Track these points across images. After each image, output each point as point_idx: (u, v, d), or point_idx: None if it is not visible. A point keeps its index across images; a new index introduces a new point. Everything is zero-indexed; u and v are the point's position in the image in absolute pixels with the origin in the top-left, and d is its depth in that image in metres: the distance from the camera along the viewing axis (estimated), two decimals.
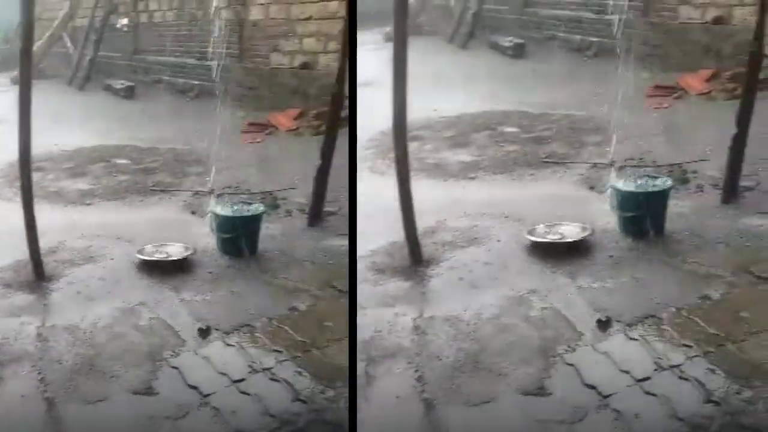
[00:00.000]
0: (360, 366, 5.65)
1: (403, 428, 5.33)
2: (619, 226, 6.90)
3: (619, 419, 5.01)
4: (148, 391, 5.79)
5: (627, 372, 5.31)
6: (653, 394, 5.13)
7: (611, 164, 7.43)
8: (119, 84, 11.60)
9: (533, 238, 6.87)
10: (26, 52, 7.13)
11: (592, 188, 7.67)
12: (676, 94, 8.80)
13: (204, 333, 6.33)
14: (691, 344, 5.47)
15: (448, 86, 9.76)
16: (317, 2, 9.25)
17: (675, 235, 6.73)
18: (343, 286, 6.53)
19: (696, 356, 5.38)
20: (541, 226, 6.99)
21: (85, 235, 7.84)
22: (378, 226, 6.90)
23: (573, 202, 7.47)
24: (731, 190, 6.99)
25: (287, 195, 7.92)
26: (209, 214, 7.68)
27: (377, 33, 9.68)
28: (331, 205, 7.63)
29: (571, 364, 5.46)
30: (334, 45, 8.65)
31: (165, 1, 11.37)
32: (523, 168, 8.31)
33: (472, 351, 5.71)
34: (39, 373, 5.96)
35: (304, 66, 9.36)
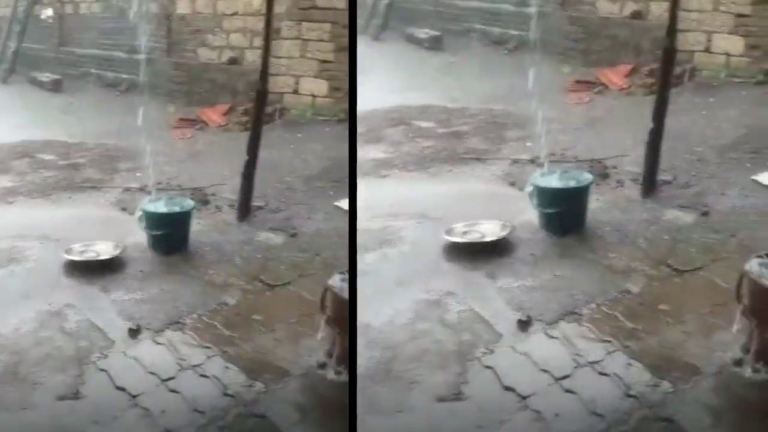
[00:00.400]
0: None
1: None
2: (540, 222, 6.79)
3: (539, 419, 4.97)
4: (75, 396, 5.65)
5: (547, 371, 5.26)
6: (573, 392, 5.10)
7: (532, 160, 7.39)
8: (45, 77, 11.32)
9: (451, 239, 6.68)
10: None
11: (512, 185, 7.53)
12: (596, 89, 8.84)
13: (134, 333, 6.22)
14: (611, 339, 5.46)
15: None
16: None
17: (596, 230, 6.67)
18: (270, 279, 6.57)
19: (615, 351, 5.38)
20: (459, 225, 6.81)
21: (8, 236, 7.55)
22: None
23: (493, 200, 7.35)
24: (650, 185, 6.98)
25: (217, 190, 7.85)
26: (139, 211, 7.50)
27: None
28: (259, 200, 7.56)
29: (490, 367, 5.37)
30: (259, 41, 8.49)
31: None
32: (439, 164, 8.10)
33: (384, 358, 5.60)
34: None
35: (232, 61, 9.34)
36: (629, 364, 5.25)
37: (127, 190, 8.19)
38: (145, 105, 8.67)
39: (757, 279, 5.06)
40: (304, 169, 7.96)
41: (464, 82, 9.44)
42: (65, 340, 6.14)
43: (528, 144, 7.84)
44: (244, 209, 7.52)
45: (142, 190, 7.77)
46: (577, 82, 8.95)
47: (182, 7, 9.71)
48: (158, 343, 6.10)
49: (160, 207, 7.42)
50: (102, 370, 5.84)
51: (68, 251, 7.14)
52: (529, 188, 6.95)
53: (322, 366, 5.66)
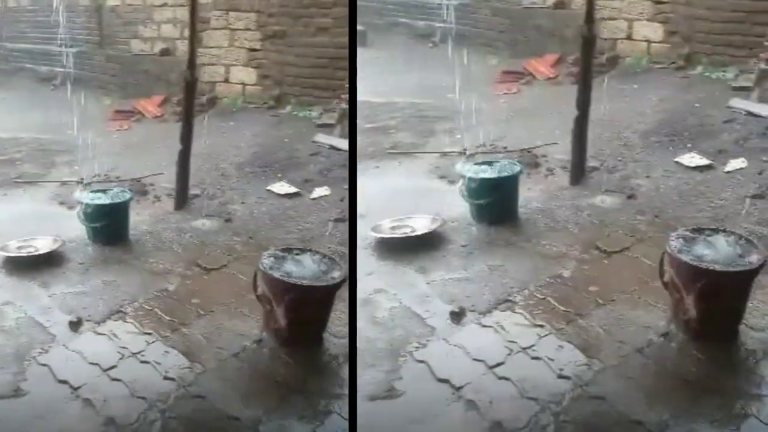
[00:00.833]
0: None
1: None
2: (472, 214, 6.76)
3: (473, 409, 4.95)
4: (16, 393, 5.54)
5: (481, 360, 5.25)
6: (507, 379, 5.11)
7: (462, 152, 7.36)
8: None
9: (378, 235, 6.58)
10: None
11: (442, 178, 7.45)
12: (524, 80, 8.83)
13: (75, 325, 6.14)
14: (543, 324, 5.49)
15: None
16: None
17: (528, 219, 6.70)
18: (207, 263, 6.61)
19: (548, 335, 5.41)
20: (387, 221, 6.71)
21: None
22: None
23: (422, 194, 7.25)
24: (578, 171, 7.01)
25: (155, 180, 7.82)
26: (78, 204, 7.40)
27: None
28: (196, 187, 7.56)
29: (423, 361, 5.32)
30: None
31: None
32: (366, 161, 7.81)
33: None
34: None
35: (164, 52, 9.24)
36: (561, 347, 5.28)
37: (64, 183, 8.03)
38: (80, 98, 8.54)
39: (676, 255, 5.15)
40: (237, 156, 7.96)
41: (390, 76, 9.23)
42: (4, 338, 6.03)
43: (457, 136, 7.80)
44: (182, 198, 7.52)
45: (80, 183, 7.61)
46: (504, 72, 8.93)
47: None
48: (99, 334, 6.03)
49: (99, 199, 7.34)
50: (43, 365, 5.76)
51: (4, 248, 7.02)
52: (458, 180, 6.90)
53: (258, 342, 5.71)
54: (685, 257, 5.12)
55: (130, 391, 5.45)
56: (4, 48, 11.01)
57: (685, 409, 4.73)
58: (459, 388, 5.07)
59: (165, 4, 9.19)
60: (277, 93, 8.68)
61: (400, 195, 7.24)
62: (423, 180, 7.48)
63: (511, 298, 5.77)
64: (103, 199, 7.33)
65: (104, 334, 6.01)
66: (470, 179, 6.79)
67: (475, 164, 7.06)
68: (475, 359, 5.27)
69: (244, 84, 8.88)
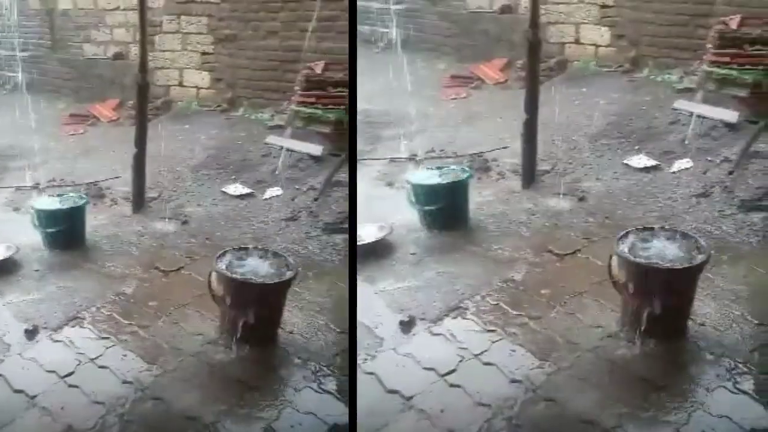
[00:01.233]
0: None
1: None
2: (421, 221, 6.65)
3: (425, 418, 4.89)
4: None
5: (432, 369, 5.18)
6: (458, 386, 5.05)
7: (410, 158, 7.29)
8: None
9: None
10: None
11: (390, 185, 7.31)
12: (472, 84, 8.76)
13: (31, 334, 6.03)
14: (495, 329, 5.44)
15: None
16: None
17: (479, 223, 6.63)
18: (165, 265, 6.57)
19: (500, 340, 5.37)
20: None
21: None
22: None
23: (369, 202, 6.96)
24: (529, 175, 6.99)
25: (111, 184, 7.74)
26: (32, 210, 7.25)
27: None
28: (153, 190, 7.50)
29: (372, 373, 5.23)
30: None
31: None
32: None
33: None
34: None
35: (118, 56, 9.10)
36: (513, 351, 5.25)
37: (18, 189, 7.89)
38: (33, 102, 8.38)
39: (624, 255, 5.18)
40: (192, 159, 7.89)
41: None
42: None
43: (405, 142, 7.70)
44: (139, 201, 7.45)
45: (35, 188, 7.45)
46: (453, 77, 8.84)
47: (64, 3, 9.35)
48: (56, 341, 5.93)
49: (53, 204, 7.24)
50: None
51: None
52: (407, 187, 6.75)
53: (215, 342, 5.68)
54: (632, 257, 5.16)
55: (88, 397, 5.36)
56: None
57: (636, 406, 4.73)
58: (409, 398, 5.01)
59: (117, 8, 9.09)
60: (230, 96, 8.61)
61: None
62: (370, 187, 7.31)
63: (462, 304, 5.70)
64: (58, 204, 7.21)
65: (61, 341, 5.91)
66: (419, 185, 6.67)
67: (424, 170, 6.99)
68: (425, 368, 5.20)
69: (197, 87, 8.80)
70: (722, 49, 7.23)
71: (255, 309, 5.57)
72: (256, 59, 8.53)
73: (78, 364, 5.65)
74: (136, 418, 5.22)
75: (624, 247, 5.22)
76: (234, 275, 5.59)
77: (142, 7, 7.49)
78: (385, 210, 6.85)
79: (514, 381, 5.03)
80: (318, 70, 7.68)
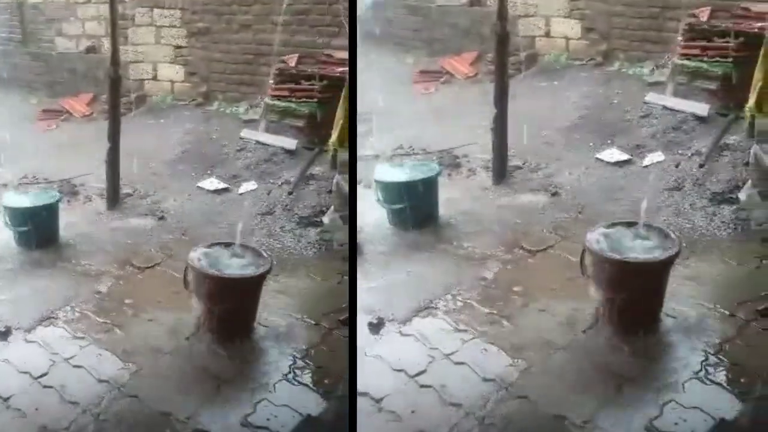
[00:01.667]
0: None
1: None
2: (390, 219, 6.51)
3: (395, 419, 4.82)
4: None
5: (402, 370, 5.10)
6: (429, 386, 4.99)
7: (378, 155, 7.09)
8: None
9: None
10: None
11: (357, 182, 7.02)
12: (442, 79, 8.59)
13: (3, 335, 5.93)
14: (467, 328, 5.37)
15: None
16: None
17: (449, 221, 6.52)
18: (141, 262, 6.49)
19: (472, 339, 5.30)
20: None
21: None
22: None
23: None
24: (501, 171, 6.87)
25: (85, 180, 7.59)
26: (2, 208, 7.10)
27: None
28: (128, 186, 7.38)
29: None
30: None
31: None
32: None
33: None
34: None
35: (90, 50, 8.94)
36: (485, 350, 5.18)
37: None
38: (4, 98, 8.23)
39: (595, 249, 5.16)
40: (167, 154, 7.77)
41: None
42: None
43: (371, 138, 7.33)
44: (113, 197, 7.35)
45: (6, 185, 7.31)
46: (422, 72, 8.62)
47: None
48: (30, 342, 5.85)
49: (24, 201, 7.10)
50: None
51: None
52: (374, 185, 6.59)
53: (191, 337, 5.65)
54: (603, 251, 5.14)
55: (62, 397, 5.30)
56: None
57: (609, 400, 4.70)
58: (379, 400, 4.94)
59: (88, 1, 8.90)
60: (204, 90, 8.49)
61: None
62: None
63: (432, 304, 5.61)
64: (29, 202, 7.08)
65: (35, 342, 5.82)
66: (386, 183, 6.54)
67: (392, 167, 6.85)
68: (395, 369, 5.13)
69: (172, 81, 8.66)
70: (692, 42, 7.17)
71: (230, 303, 5.55)
72: (230, 53, 8.41)
73: (52, 365, 5.58)
74: (111, 417, 5.14)
75: (594, 242, 5.18)
76: (209, 270, 5.56)
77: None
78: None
79: (486, 380, 4.97)
80: (291, 64, 7.60)
